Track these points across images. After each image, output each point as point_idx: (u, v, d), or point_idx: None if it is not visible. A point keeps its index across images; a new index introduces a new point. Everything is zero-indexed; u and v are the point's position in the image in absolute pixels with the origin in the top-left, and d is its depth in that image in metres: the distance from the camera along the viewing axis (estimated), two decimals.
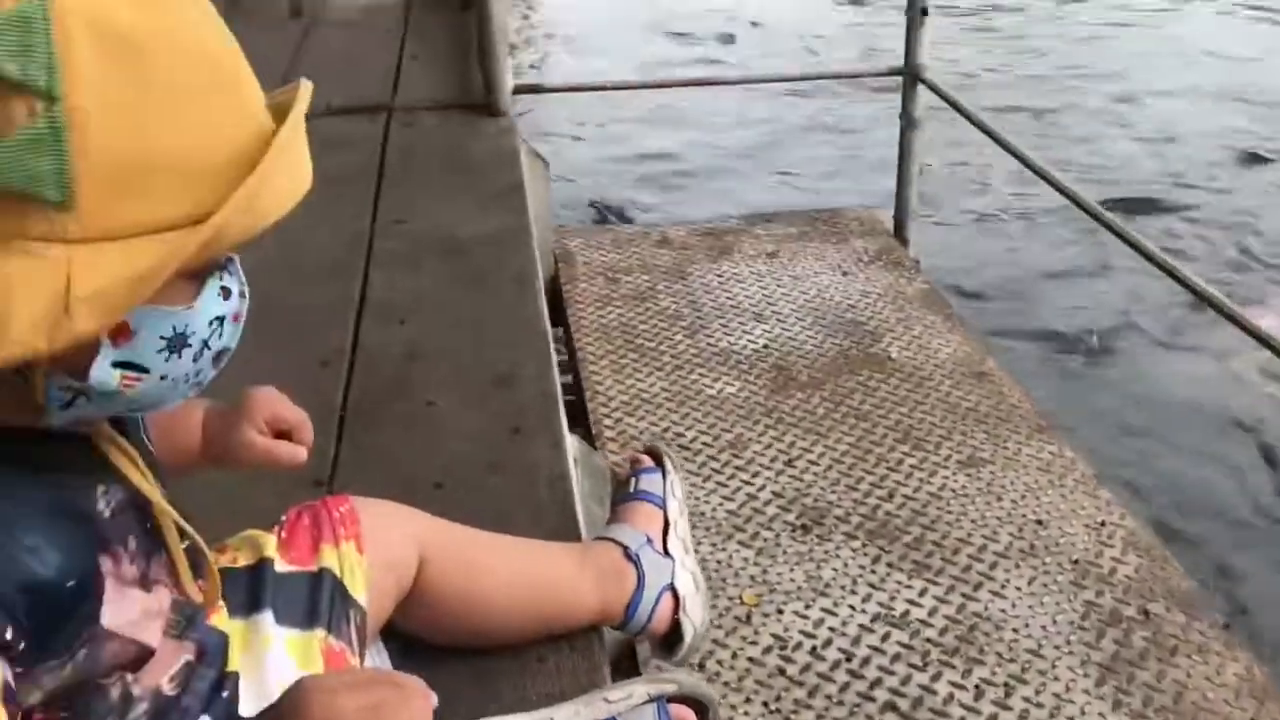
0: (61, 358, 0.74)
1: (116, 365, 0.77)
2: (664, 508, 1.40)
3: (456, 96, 3.16)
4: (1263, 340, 2.19)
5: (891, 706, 1.87)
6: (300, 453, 1.11)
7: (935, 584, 2.15)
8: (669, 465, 1.45)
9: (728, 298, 3.18)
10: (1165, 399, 3.53)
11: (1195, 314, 3.81)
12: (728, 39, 7.22)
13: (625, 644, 1.79)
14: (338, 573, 1.13)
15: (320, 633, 1.09)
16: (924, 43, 3.40)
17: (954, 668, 1.96)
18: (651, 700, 1.16)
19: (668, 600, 1.35)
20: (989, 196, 4.94)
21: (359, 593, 1.14)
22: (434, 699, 0.85)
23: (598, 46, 7.05)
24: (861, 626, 2.05)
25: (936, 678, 1.93)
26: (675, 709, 1.18)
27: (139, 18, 0.72)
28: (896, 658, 1.98)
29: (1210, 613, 2.11)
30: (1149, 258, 2.53)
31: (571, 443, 1.79)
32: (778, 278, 3.30)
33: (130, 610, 0.87)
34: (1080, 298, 4.15)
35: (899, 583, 2.15)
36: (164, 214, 0.73)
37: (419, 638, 1.26)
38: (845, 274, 3.33)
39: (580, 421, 2.62)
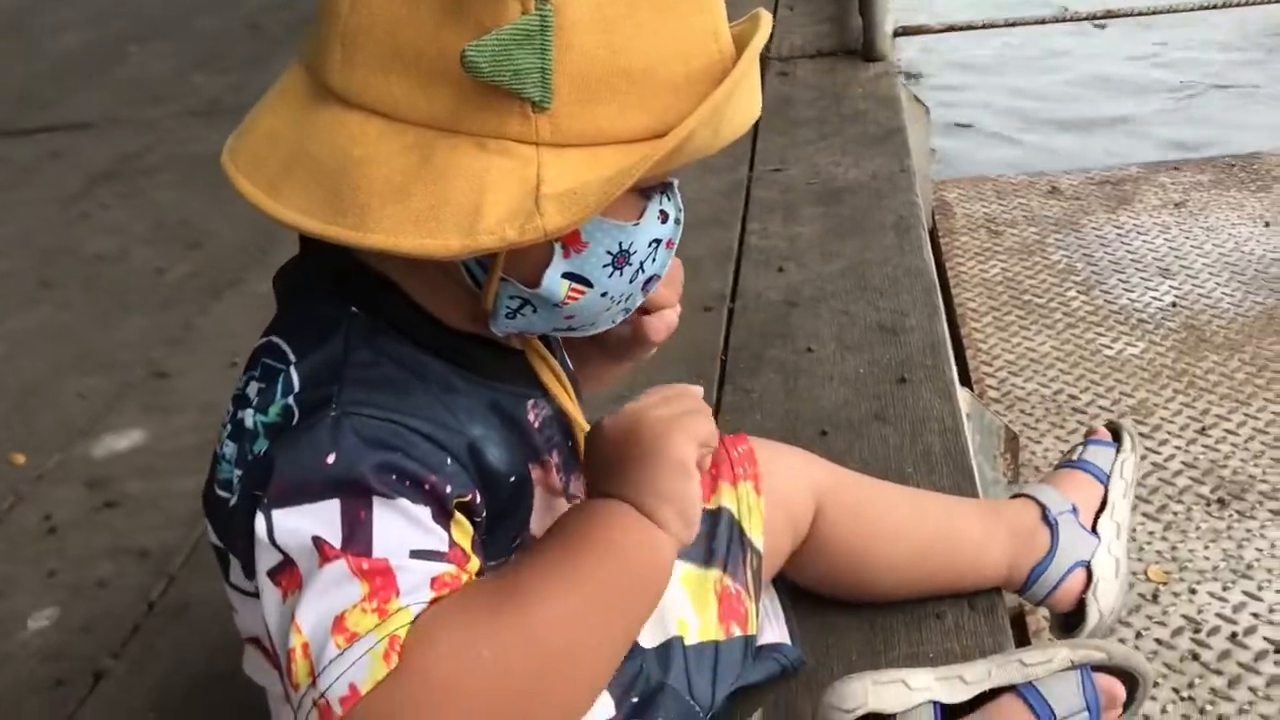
0: (518, 266, 0.77)
1: (566, 276, 0.78)
2: (1106, 484, 1.27)
3: (834, 44, 3.07)
4: None
5: None
6: (665, 319, 0.96)
7: None
8: (1128, 444, 1.32)
9: (1128, 251, 2.91)
10: None
11: None
12: None
13: (1017, 611, 1.67)
14: (735, 513, 1.10)
15: (716, 572, 1.07)
16: None
17: None
18: (1074, 667, 1.05)
19: (1079, 576, 1.23)
20: None
21: (755, 535, 1.10)
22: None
23: None
24: None
25: None
26: (1101, 680, 1.05)
27: None
28: None
29: None
30: None
31: (963, 395, 1.68)
32: (1186, 229, 2.98)
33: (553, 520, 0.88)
34: None
35: None
36: (630, 124, 0.73)
37: (810, 589, 1.21)
38: (1268, 225, 2.95)
39: (962, 381, 2.48)
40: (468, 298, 0.81)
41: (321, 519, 0.71)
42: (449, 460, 0.77)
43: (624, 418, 0.86)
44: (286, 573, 0.72)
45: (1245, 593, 1.86)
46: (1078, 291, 2.76)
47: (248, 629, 0.87)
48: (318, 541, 0.71)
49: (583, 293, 0.79)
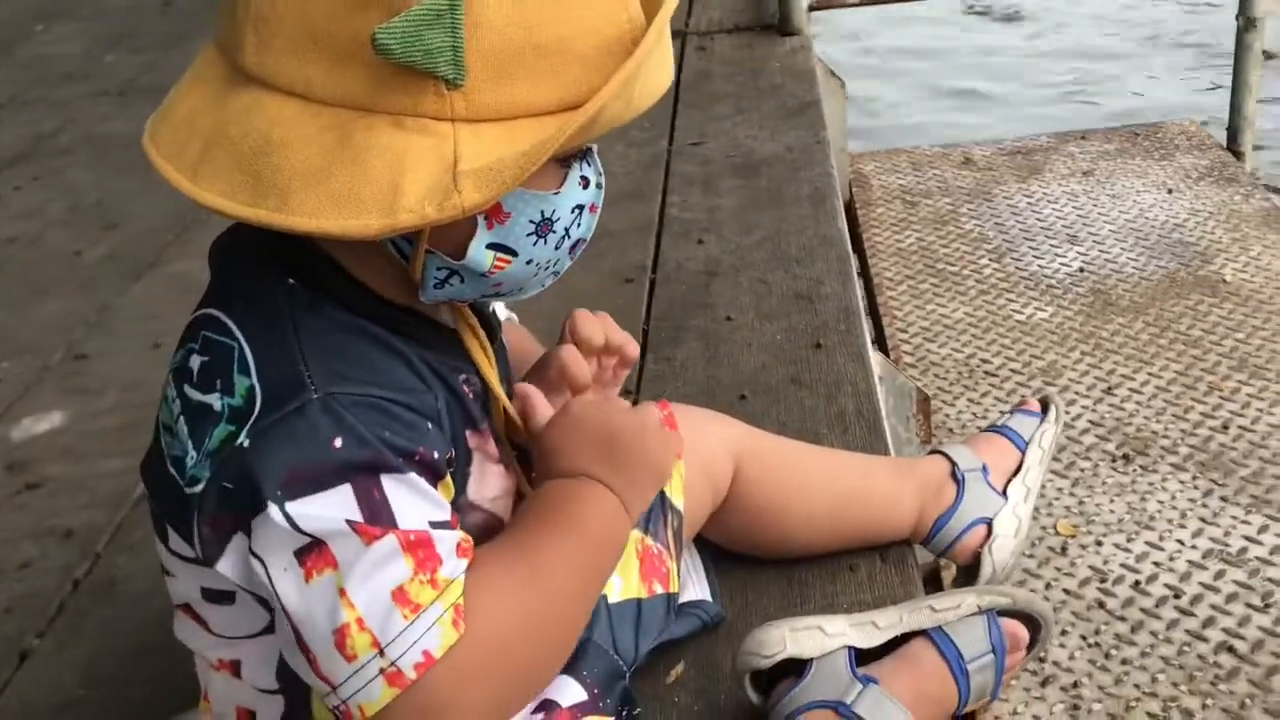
0: (442, 239, 0.79)
1: (490, 247, 0.80)
2: (1024, 450, 1.33)
3: (751, 19, 3.11)
4: None
5: (1227, 648, 1.72)
6: (572, 361, 0.99)
7: (1278, 520, 1.95)
8: (1052, 416, 1.37)
9: (1038, 219, 3.00)
10: None
11: None
12: None
13: (935, 569, 1.73)
14: None
15: (637, 533, 1.10)
16: None
17: None
18: (981, 613, 1.10)
19: (979, 531, 1.28)
20: None
21: (676, 496, 1.14)
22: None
23: None
24: (1191, 563, 1.89)
25: None
26: (1006, 624, 1.10)
27: None
28: (1233, 597, 1.81)
29: None
30: None
31: (876, 359, 1.73)
32: (1094, 197, 3.07)
33: (493, 486, 0.93)
34: None
35: (1234, 518, 1.97)
36: (544, 97, 0.75)
37: (730, 547, 1.25)
38: (1171, 191, 3.06)
39: (878, 347, 2.55)
40: (397, 270, 0.83)
41: (342, 502, 0.75)
42: (429, 425, 0.81)
43: (595, 410, 0.92)
44: (314, 554, 0.75)
45: (1148, 543, 1.94)
46: (990, 259, 2.84)
47: (181, 595, 0.89)
48: (353, 523, 0.74)
49: (509, 262, 0.81)
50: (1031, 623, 1.13)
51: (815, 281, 1.88)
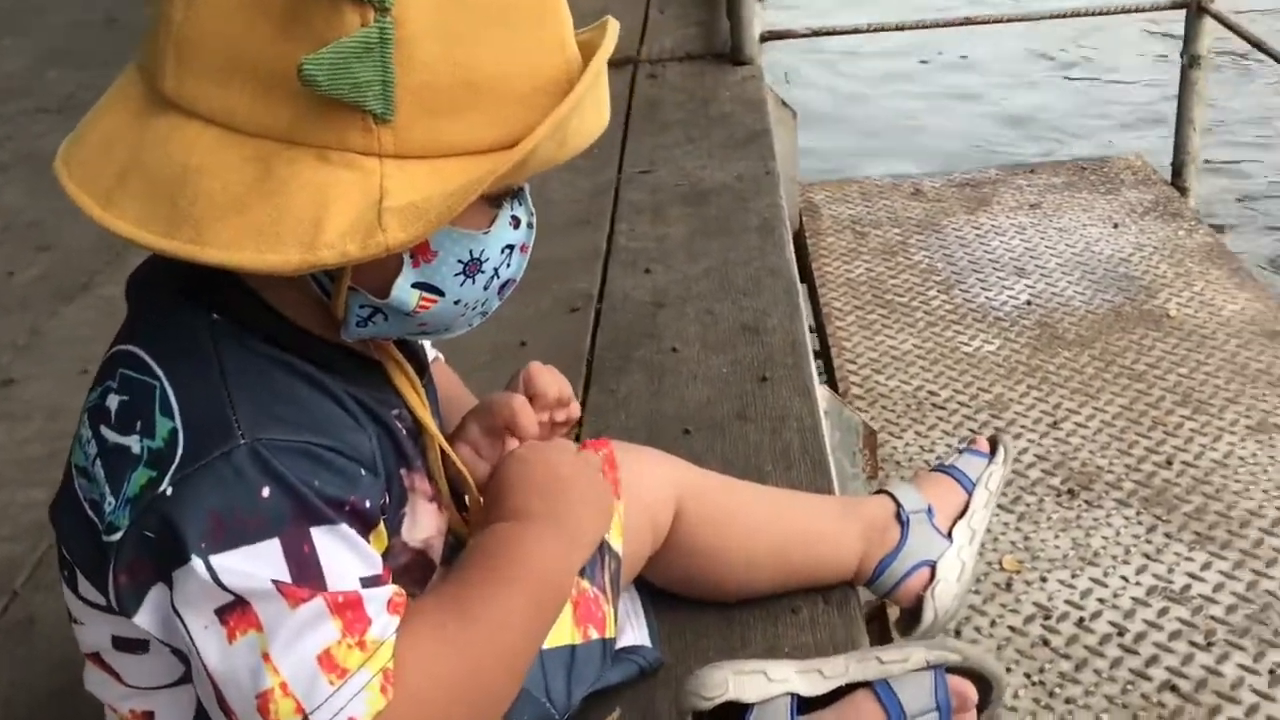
0: (366, 276, 0.76)
1: (416, 286, 0.77)
2: (971, 491, 1.31)
3: (703, 47, 3.10)
4: None
5: (1170, 687, 1.72)
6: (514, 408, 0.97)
7: (1221, 558, 1.96)
8: (1000, 457, 1.36)
9: (986, 252, 3.01)
10: None
11: None
12: None
13: (880, 609, 1.71)
14: None
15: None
16: None
17: (1244, 649, 1.77)
18: (930, 668, 1.08)
19: (922, 575, 1.26)
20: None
21: (614, 538, 1.11)
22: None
23: None
24: (1135, 600, 1.89)
25: (1223, 659, 1.76)
26: (954, 682, 1.08)
27: None
28: (1176, 635, 1.81)
29: None
30: None
31: (822, 393, 1.72)
32: (1041, 230, 3.10)
33: (426, 527, 0.89)
34: None
35: (1178, 554, 1.98)
36: (476, 136, 0.73)
37: (670, 590, 1.22)
38: (1116, 226, 3.09)
39: (827, 379, 2.54)
40: (319, 306, 0.80)
41: (269, 558, 0.71)
42: (362, 471, 0.77)
43: (542, 454, 0.91)
44: (237, 613, 0.71)
45: (1092, 579, 1.94)
46: (938, 291, 2.85)
47: (91, 644, 0.85)
48: (279, 583, 0.71)
49: (435, 301, 0.79)
50: (983, 683, 1.11)
51: (762, 313, 1.86)
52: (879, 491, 1.33)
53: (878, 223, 3.21)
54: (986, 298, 2.80)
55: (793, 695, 1.07)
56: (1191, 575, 1.93)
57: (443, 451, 0.90)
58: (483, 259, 0.79)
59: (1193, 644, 1.79)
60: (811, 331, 2.74)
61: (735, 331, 1.81)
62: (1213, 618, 1.84)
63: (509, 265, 0.82)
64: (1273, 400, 2.34)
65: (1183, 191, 3.28)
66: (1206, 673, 1.74)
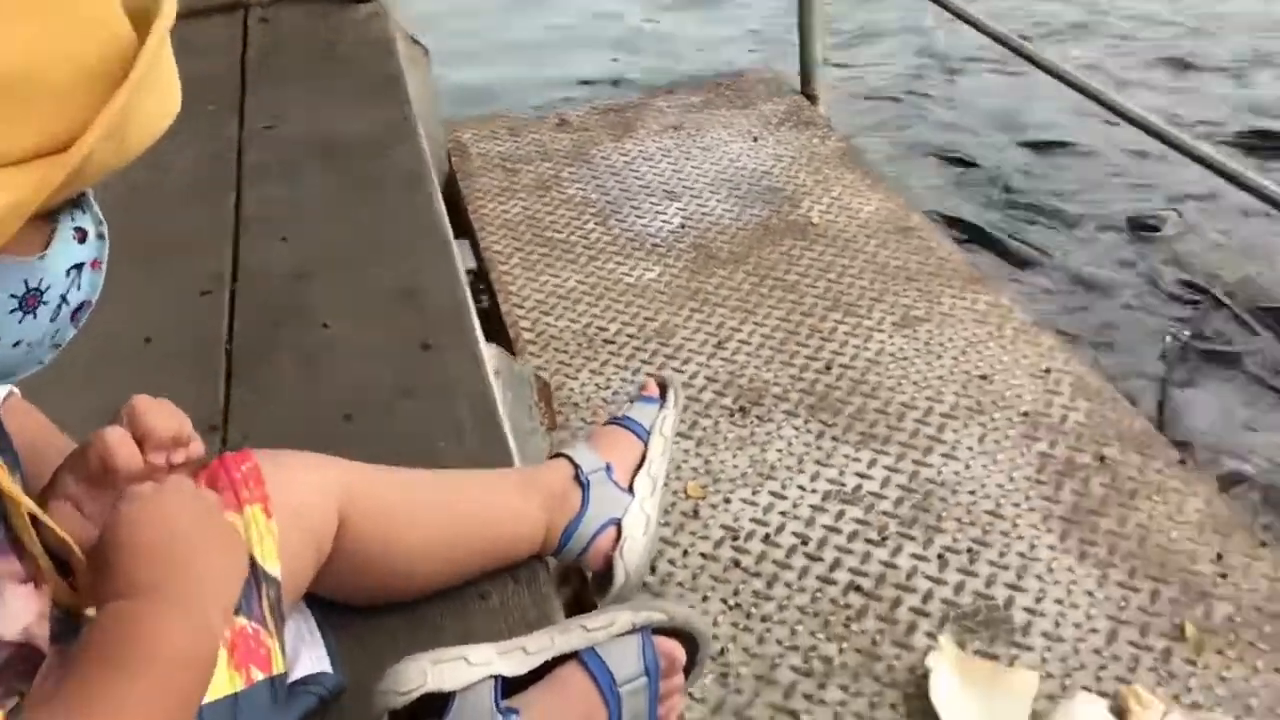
0: None
1: None
2: (646, 441, 1.28)
3: None
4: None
5: (855, 587, 1.79)
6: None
7: (884, 453, 2.06)
8: (671, 400, 1.33)
9: (636, 178, 3.02)
10: None
11: None
12: None
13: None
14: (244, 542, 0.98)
15: None
16: None
17: (914, 539, 1.88)
18: (636, 630, 1.04)
19: (609, 534, 1.24)
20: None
21: (270, 563, 0.99)
22: None
23: None
24: (813, 507, 1.95)
25: (897, 551, 1.85)
26: (662, 643, 1.05)
27: None
28: (854, 535, 1.89)
29: (1165, 450, 2.05)
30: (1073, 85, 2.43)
31: (489, 353, 1.64)
32: (686, 151, 3.13)
33: (23, 613, 0.76)
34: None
35: (847, 456, 2.06)
36: (13, 144, 0.60)
37: (346, 601, 1.12)
38: (756, 139, 3.17)
39: (496, 327, 2.47)
40: None
41: None
42: None
43: (152, 510, 0.76)
44: None
45: (772, 493, 1.99)
46: (595, 223, 2.83)
47: None
48: None
49: None
50: (690, 641, 1.09)
51: (418, 274, 1.76)
52: (556, 455, 1.29)
53: (528, 158, 3.15)
54: (642, 225, 2.81)
55: (497, 677, 1.02)
56: (860, 475, 2.02)
57: (32, 517, 0.75)
58: (42, 289, 0.66)
59: (869, 541, 1.88)
60: (476, 275, 2.66)
61: (390, 298, 1.70)
62: (884, 513, 1.93)
63: (79, 287, 0.69)
64: (911, 294, 2.49)
65: (812, 100, 3.41)
66: (884, 567, 1.83)
